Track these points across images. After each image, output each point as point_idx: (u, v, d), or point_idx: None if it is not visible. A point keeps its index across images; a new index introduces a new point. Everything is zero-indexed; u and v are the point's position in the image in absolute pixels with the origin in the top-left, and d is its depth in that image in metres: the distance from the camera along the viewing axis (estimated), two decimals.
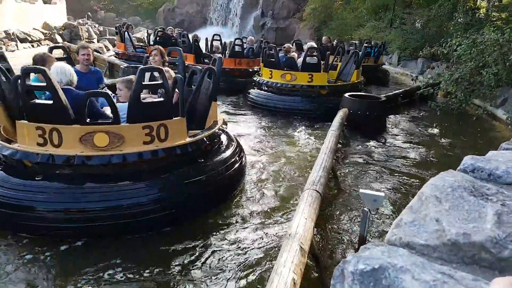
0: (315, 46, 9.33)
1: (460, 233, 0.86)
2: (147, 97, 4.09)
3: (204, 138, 4.02)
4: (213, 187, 3.91)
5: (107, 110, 3.67)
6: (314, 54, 8.12)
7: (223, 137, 4.66)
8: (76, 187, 3.34)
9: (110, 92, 3.75)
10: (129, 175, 3.53)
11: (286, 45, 9.34)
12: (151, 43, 12.38)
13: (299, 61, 8.38)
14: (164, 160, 3.68)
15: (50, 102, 3.37)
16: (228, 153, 4.31)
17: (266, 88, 8.39)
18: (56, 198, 3.27)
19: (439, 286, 0.66)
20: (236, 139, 4.87)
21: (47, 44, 17.47)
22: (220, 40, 11.16)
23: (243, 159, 4.61)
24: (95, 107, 3.65)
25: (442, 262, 0.83)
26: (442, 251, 0.85)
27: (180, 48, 5.99)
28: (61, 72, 3.58)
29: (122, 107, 3.55)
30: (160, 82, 3.65)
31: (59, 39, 18.35)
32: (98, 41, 19.84)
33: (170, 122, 3.67)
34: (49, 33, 18.46)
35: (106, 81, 5.53)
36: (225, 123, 4.76)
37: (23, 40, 16.06)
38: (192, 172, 3.78)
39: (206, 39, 11.85)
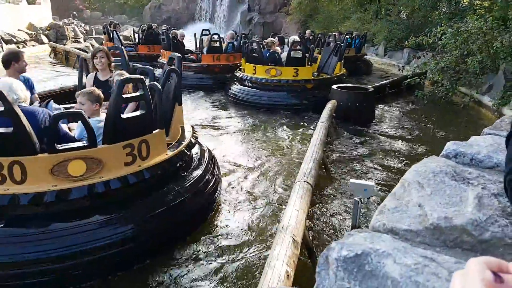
0: (299, 39, 9.29)
1: (441, 217, 0.87)
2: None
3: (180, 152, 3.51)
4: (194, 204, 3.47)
5: (65, 128, 3.24)
6: (298, 48, 8.04)
7: (194, 150, 4.02)
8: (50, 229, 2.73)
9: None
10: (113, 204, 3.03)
11: (268, 39, 9.18)
12: (138, 41, 12.26)
13: (283, 55, 8.28)
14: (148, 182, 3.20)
15: (10, 130, 2.65)
16: (200, 171, 3.76)
17: (250, 84, 8.18)
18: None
19: (420, 269, 0.67)
20: (208, 151, 4.36)
21: (33, 45, 17.21)
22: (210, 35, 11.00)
23: (217, 175, 4.06)
24: (60, 129, 3.01)
25: (425, 247, 0.85)
26: (425, 236, 0.87)
27: (122, 47, 5.48)
28: (9, 88, 2.85)
29: (93, 125, 2.96)
30: (140, 93, 3.19)
31: (44, 39, 18.08)
32: (84, 40, 19.58)
33: (151, 137, 3.24)
34: (34, 33, 18.18)
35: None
36: (194, 131, 4.12)
37: (8, 42, 15.81)
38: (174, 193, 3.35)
39: (195, 34, 11.75)
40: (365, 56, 14.13)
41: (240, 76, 8.38)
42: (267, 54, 8.20)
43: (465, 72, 8.60)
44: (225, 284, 2.88)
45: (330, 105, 6.70)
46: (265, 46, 8.55)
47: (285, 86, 7.88)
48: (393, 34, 15.74)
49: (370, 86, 8.06)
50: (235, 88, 8.43)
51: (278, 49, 8.85)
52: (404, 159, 5.51)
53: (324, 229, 3.68)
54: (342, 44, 8.66)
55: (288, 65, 7.91)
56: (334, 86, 7.47)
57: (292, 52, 7.89)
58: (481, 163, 1.21)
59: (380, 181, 4.71)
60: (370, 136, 6.55)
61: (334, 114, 6.57)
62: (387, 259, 0.70)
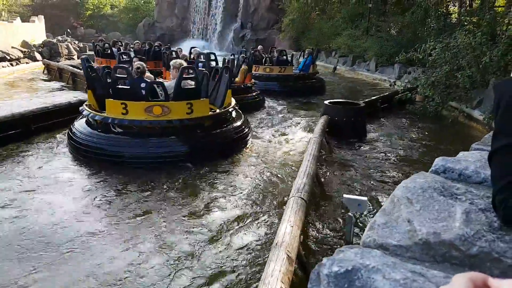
0: (185, 61, 7.11)
1: (430, 233, 0.89)
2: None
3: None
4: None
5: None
6: (191, 74, 5.95)
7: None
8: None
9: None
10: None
11: (135, 63, 6.27)
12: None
13: (169, 84, 5.98)
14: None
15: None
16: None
17: (115, 130, 5.68)
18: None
19: (409, 284, 0.69)
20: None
21: (26, 62, 17.23)
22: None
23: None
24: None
25: (415, 262, 0.86)
26: (414, 251, 0.89)
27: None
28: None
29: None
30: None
31: (38, 56, 18.14)
32: (78, 58, 19.66)
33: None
34: (28, 51, 18.23)
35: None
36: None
37: (1, 59, 15.85)
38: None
39: (191, 49, 11.95)
40: (317, 74, 12.97)
41: (91, 115, 5.70)
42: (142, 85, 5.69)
43: (455, 86, 8.75)
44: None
45: (322, 120, 6.76)
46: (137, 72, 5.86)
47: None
48: (383, 50, 16.01)
49: (361, 102, 8.15)
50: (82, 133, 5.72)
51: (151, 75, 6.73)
52: (396, 174, 5.55)
53: (319, 244, 3.68)
54: (229, 66, 7.04)
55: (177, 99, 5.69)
56: (326, 102, 7.55)
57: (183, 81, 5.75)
58: (469, 178, 1.24)
59: (373, 196, 4.73)
60: (362, 151, 6.60)
61: (327, 129, 6.62)
62: (376, 274, 0.71)
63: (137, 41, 15.98)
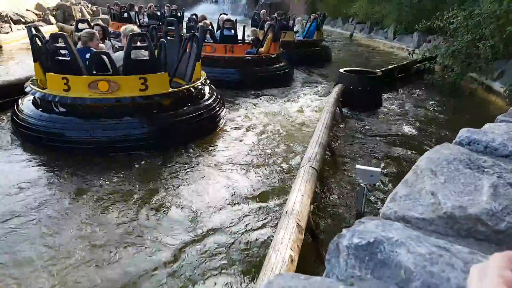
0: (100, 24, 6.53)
1: (456, 206, 0.85)
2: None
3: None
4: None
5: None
6: (143, 43, 5.01)
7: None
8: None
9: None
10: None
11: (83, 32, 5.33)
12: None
13: (117, 55, 5.10)
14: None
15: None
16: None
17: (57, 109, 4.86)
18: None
19: (435, 259, 0.65)
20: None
21: (41, 25, 17.10)
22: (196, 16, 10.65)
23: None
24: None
25: (438, 236, 0.83)
26: (438, 225, 0.85)
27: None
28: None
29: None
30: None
31: (52, 19, 17.99)
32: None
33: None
34: (42, 14, 18.06)
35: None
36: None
37: (16, 22, 15.73)
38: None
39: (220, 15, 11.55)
40: (324, 42, 12.56)
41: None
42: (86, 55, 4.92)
43: (477, 57, 8.43)
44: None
45: (337, 89, 6.62)
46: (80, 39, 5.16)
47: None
48: (403, 17, 15.43)
49: (378, 70, 7.94)
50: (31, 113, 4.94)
51: (110, 44, 5.90)
52: (411, 145, 5.46)
53: (329, 214, 3.68)
54: (197, 34, 5.61)
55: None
56: (341, 70, 7.37)
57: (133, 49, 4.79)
58: (496, 151, 1.18)
59: (386, 167, 4.68)
60: (377, 122, 6.48)
61: (341, 99, 6.49)
62: (400, 248, 0.68)
63: (151, 3, 15.66)
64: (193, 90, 5.34)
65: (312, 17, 12.12)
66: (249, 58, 8.40)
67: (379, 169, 3.25)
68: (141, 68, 4.80)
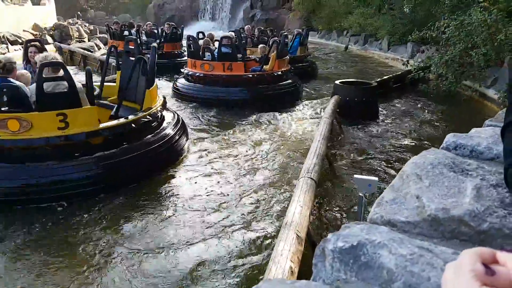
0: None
1: (439, 208, 0.87)
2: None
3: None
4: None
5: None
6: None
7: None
8: None
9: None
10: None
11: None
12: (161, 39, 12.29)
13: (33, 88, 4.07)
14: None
15: None
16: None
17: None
18: None
19: (416, 259, 0.67)
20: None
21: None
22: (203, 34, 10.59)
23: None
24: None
25: (423, 238, 0.85)
26: (422, 227, 0.87)
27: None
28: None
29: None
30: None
31: (49, 39, 18.20)
32: (89, 40, 19.66)
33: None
34: (39, 34, 18.29)
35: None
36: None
37: (13, 42, 15.93)
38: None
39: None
40: (308, 57, 11.93)
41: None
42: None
43: (470, 65, 8.53)
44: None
45: (333, 100, 6.68)
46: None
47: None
48: (396, 28, 15.63)
49: (373, 81, 8.01)
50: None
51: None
52: (408, 154, 5.48)
53: (329, 224, 3.68)
54: (145, 58, 5.11)
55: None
56: (337, 82, 7.44)
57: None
58: (481, 154, 1.20)
59: (384, 176, 4.70)
60: (374, 131, 6.52)
61: (338, 110, 6.54)
62: (382, 249, 0.70)
63: (149, 22, 15.82)
64: (133, 125, 4.51)
65: (295, 32, 11.76)
66: (250, 75, 8.04)
67: (376, 178, 3.26)
68: (59, 102, 3.99)
